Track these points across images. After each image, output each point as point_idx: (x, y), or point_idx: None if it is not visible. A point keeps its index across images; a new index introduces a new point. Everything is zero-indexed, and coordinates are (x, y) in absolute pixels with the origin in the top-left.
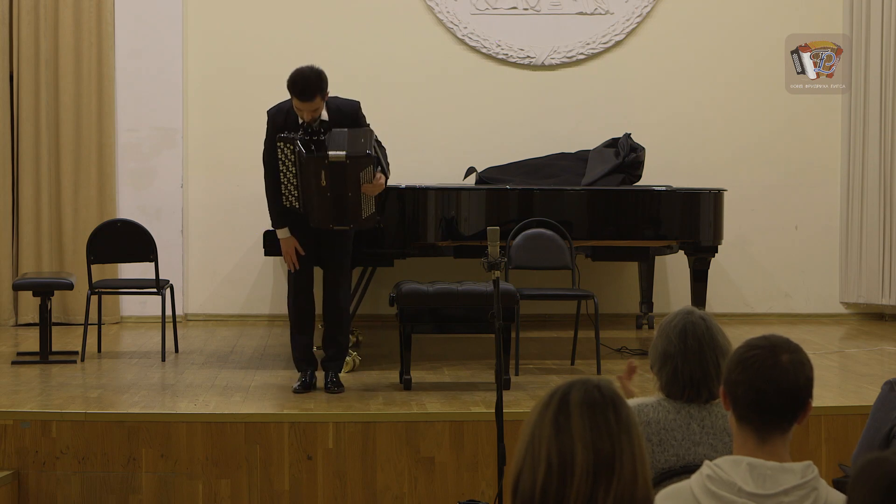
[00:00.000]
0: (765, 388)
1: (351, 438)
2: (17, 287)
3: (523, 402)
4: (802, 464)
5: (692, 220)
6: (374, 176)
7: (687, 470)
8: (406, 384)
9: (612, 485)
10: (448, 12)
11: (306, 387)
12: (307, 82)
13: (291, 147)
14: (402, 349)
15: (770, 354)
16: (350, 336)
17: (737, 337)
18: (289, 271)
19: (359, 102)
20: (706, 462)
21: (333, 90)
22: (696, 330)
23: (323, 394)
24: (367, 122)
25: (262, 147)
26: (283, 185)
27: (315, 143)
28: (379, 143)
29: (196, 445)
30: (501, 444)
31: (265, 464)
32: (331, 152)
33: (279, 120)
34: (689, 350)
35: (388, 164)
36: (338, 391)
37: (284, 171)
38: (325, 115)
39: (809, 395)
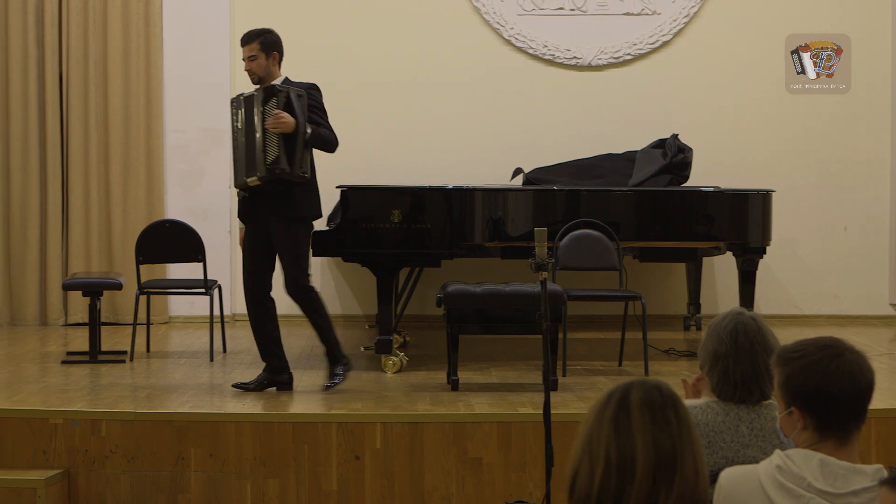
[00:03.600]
0: (837, 391)
1: (398, 439)
2: (67, 287)
3: (571, 403)
4: (874, 466)
5: (740, 220)
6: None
7: None
8: (453, 385)
9: (675, 484)
10: (495, 13)
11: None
12: (250, 30)
13: (231, 109)
14: (450, 350)
15: (838, 357)
16: (396, 336)
17: (786, 338)
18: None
19: (316, 85)
20: (777, 452)
21: (381, 92)
22: (748, 330)
23: (371, 394)
24: (324, 105)
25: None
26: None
27: (235, 97)
28: (318, 108)
29: (244, 445)
30: (549, 444)
31: (313, 464)
32: (247, 91)
33: None
34: (741, 350)
35: (324, 125)
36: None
37: (231, 138)
38: (276, 83)
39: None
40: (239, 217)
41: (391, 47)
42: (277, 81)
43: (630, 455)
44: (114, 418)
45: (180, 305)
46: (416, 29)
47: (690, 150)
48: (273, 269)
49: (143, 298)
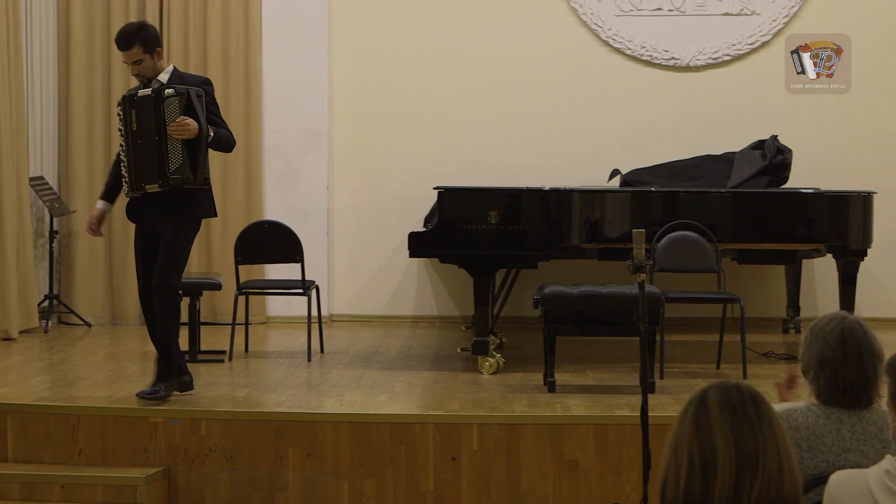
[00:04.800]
0: None
1: (495, 440)
2: None
3: (668, 405)
4: None
5: (841, 222)
6: (180, 115)
7: None
8: (550, 386)
9: (757, 478)
10: (592, 14)
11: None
12: (125, 30)
13: (119, 107)
14: (546, 351)
15: None
16: (493, 338)
17: (888, 342)
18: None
19: (209, 79)
20: (888, 457)
21: (479, 94)
22: (855, 335)
23: (468, 395)
24: (216, 102)
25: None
26: (122, 164)
27: (129, 96)
28: (214, 105)
29: (342, 445)
30: (646, 447)
31: (410, 464)
32: (141, 90)
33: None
34: (849, 355)
35: (221, 126)
36: (144, 396)
37: (121, 140)
38: (164, 79)
39: None
40: (128, 216)
41: (489, 50)
42: (165, 75)
43: (711, 451)
44: (213, 417)
45: (278, 305)
46: (513, 31)
47: (790, 151)
48: None
49: (241, 299)
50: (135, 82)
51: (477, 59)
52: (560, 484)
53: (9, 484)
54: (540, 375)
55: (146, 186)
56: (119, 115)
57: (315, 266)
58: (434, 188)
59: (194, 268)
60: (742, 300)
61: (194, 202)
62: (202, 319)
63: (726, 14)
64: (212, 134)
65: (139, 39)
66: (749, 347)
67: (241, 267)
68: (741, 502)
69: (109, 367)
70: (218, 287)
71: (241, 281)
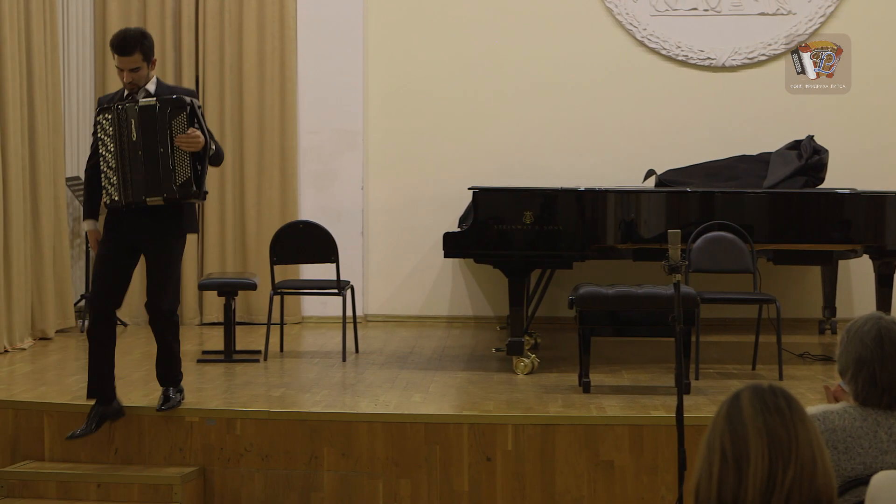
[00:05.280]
0: None
1: (530, 440)
2: (203, 287)
3: (704, 406)
4: None
5: (877, 223)
6: (188, 127)
7: None
8: (585, 387)
9: (790, 468)
10: (627, 14)
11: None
12: (126, 35)
13: (108, 114)
14: (581, 352)
15: None
16: (528, 338)
17: None
18: (94, 288)
19: (195, 91)
20: None
21: (514, 95)
22: (892, 335)
23: (503, 395)
24: (203, 114)
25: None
26: (101, 173)
27: (128, 103)
28: (202, 118)
29: (377, 445)
30: (682, 448)
31: (445, 464)
32: (141, 99)
33: (106, 98)
34: (887, 356)
35: (213, 140)
36: (167, 408)
37: (103, 150)
38: (151, 88)
39: None
40: (106, 229)
41: (524, 49)
42: (152, 86)
43: (743, 442)
44: (248, 417)
45: (313, 306)
46: (548, 31)
47: (826, 151)
48: (127, 288)
49: (276, 299)
50: (112, 88)
51: (512, 59)
52: (595, 485)
53: (46, 483)
54: (575, 376)
55: (147, 199)
56: (103, 122)
57: (350, 266)
58: (469, 188)
59: (229, 267)
60: (778, 301)
61: (183, 217)
62: (237, 319)
63: (762, 14)
64: (213, 147)
65: (141, 47)
66: (785, 348)
67: (276, 267)
68: (774, 492)
69: (145, 367)
70: (253, 287)
71: (277, 281)
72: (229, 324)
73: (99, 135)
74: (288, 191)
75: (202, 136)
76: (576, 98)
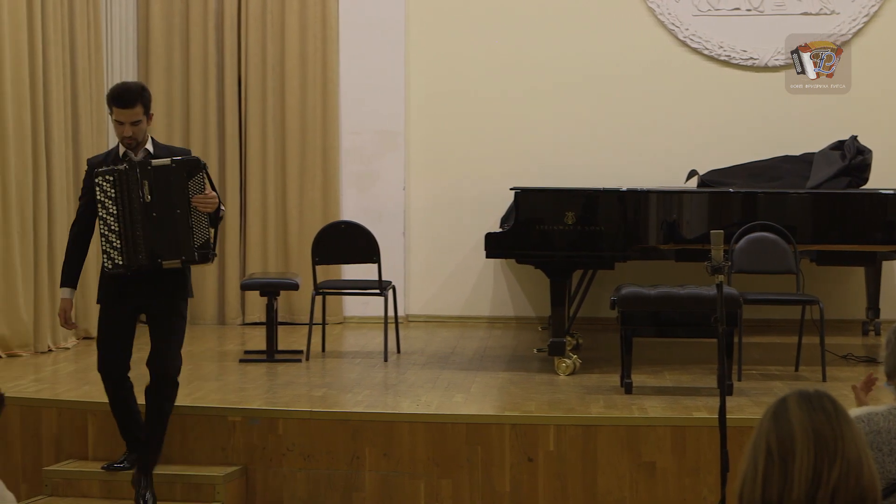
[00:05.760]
0: None
1: (572, 441)
2: (245, 287)
3: (746, 408)
4: None
5: None
6: (205, 186)
7: None
8: (627, 388)
9: (836, 464)
10: (669, 14)
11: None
12: (127, 87)
13: (110, 176)
14: (623, 352)
15: None
16: (570, 338)
17: None
18: (104, 355)
19: (190, 150)
20: None
21: (555, 95)
22: None
23: (545, 396)
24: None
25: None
26: (102, 237)
27: (138, 164)
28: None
29: (418, 445)
30: (724, 449)
31: (486, 465)
32: (154, 160)
33: (97, 160)
34: None
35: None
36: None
37: (104, 213)
38: (150, 148)
39: None
40: (106, 294)
41: (565, 50)
42: (150, 146)
43: (789, 438)
44: (290, 417)
45: (355, 306)
46: (590, 31)
47: (870, 151)
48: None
49: (318, 299)
50: (102, 147)
51: (553, 59)
52: (637, 486)
53: (90, 481)
54: (616, 377)
55: (163, 263)
56: (103, 185)
57: (391, 266)
58: (511, 189)
59: (271, 268)
60: (821, 302)
61: (186, 278)
62: (279, 319)
63: (805, 14)
64: (223, 208)
65: (141, 99)
66: (828, 350)
67: (318, 267)
68: (819, 490)
69: (187, 367)
70: (295, 287)
71: (318, 281)
72: (271, 324)
73: (99, 198)
74: (330, 191)
75: (217, 197)
76: (617, 98)
